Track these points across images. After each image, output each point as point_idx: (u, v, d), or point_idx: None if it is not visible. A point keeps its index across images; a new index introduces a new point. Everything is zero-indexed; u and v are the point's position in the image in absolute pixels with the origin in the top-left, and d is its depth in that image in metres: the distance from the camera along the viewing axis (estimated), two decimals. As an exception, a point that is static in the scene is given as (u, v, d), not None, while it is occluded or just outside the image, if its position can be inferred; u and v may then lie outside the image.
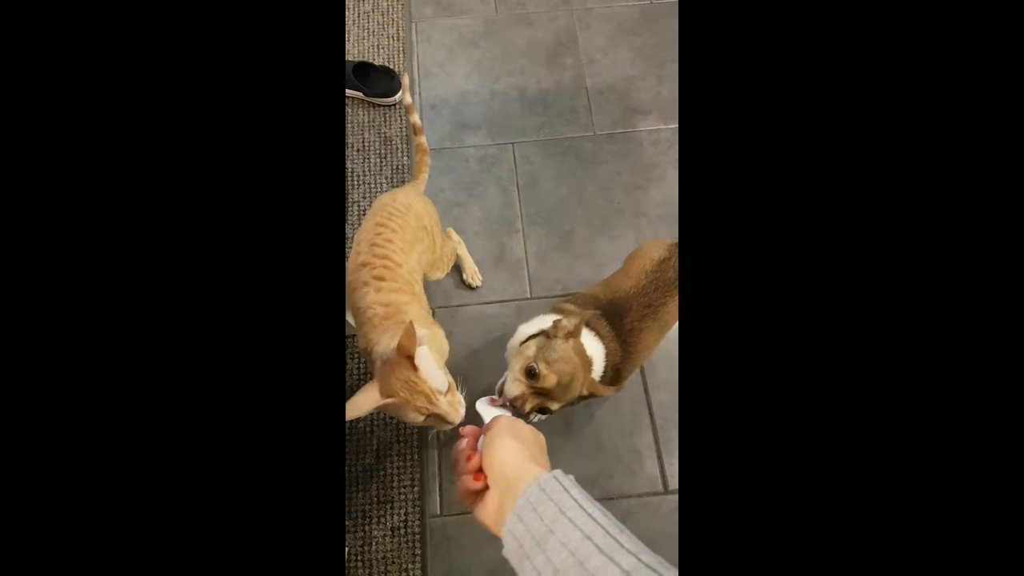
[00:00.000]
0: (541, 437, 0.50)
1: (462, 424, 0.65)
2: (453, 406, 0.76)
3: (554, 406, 0.84)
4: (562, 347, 0.83)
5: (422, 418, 0.74)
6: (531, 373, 0.81)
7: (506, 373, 0.87)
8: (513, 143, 1.50)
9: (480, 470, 0.47)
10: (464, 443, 0.50)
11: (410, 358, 0.74)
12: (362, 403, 0.73)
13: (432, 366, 0.76)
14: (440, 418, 0.74)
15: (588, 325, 0.91)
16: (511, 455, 0.45)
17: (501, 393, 0.84)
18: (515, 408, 0.81)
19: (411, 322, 0.73)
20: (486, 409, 0.68)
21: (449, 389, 0.77)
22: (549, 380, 0.81)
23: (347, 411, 0.70)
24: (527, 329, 0.93)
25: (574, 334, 0.83)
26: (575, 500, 0.40)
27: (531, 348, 0.85)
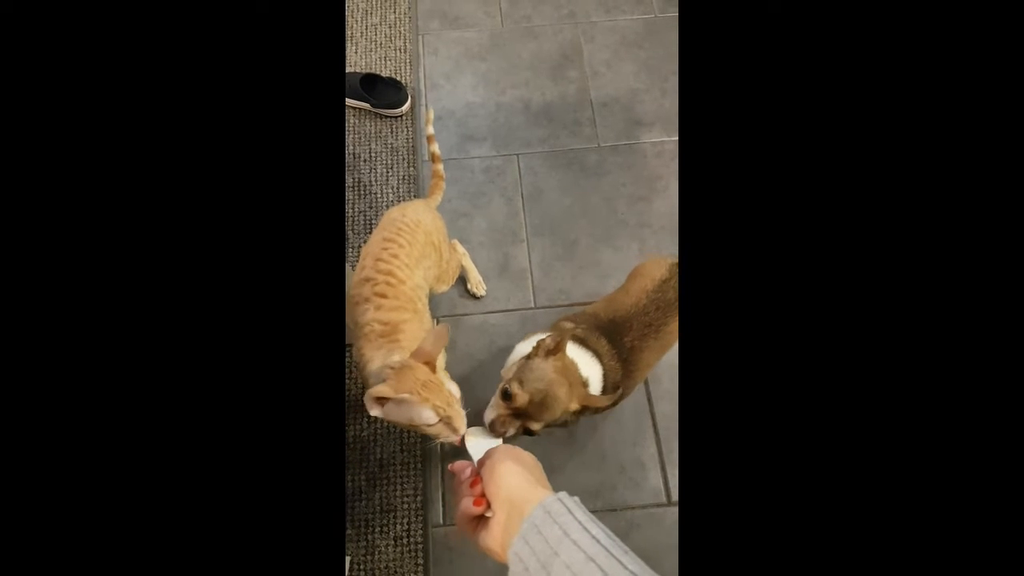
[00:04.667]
0: (536, 460, 0.50)
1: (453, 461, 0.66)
2: (460, 416, 0.76)
3: (536, 426, 0.82)
4: (540, 365, 0.82)
5: (436, 419, 0.74)
6: (506, 394, 0.80)
7: (493, 398, 0.86)
8: (518, 154, 1.51)
9: (482, 495, 0.47)
10: (468, 471, 0.50)
11: (430, 363, 0.74)
12: (382, 391, 0.73)
13: (446, 377, 0.77)
14: (451, 422, 0.75)
15: (585, 344, 0.90)
16: (515, 478, 0.45)
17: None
18: (494, 430, 0.80)
19: (445, 326, 0.74)
20: (474, 445, 0.67)
21: (458, 398, 0.78)
22: (520, 399, 0.80)
23: (368, 397, 0.71)
24: (522, 349, 0.91)
25: (555, 351, 0.83)
26: (579, 522, 0.40)
27: (512, 370, 0.84)
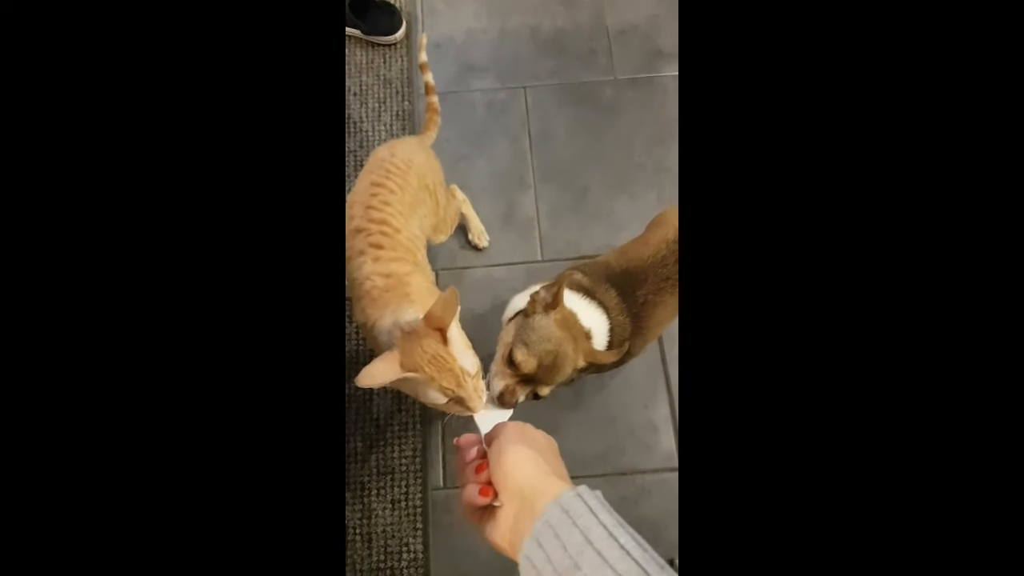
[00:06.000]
0: (554, 443, 0.45)
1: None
2: (477, 392, 0.68)
3: (546, 391, 0.78)
4: (541, 323, 0.76)
5: (444, 400, 0.67)
6: (511, 361, 0.75)
7: (492, 364, 0.81)
8: (525, 87, 1.41)
9: (489, 483, 0.43)
10: (474, 451, 0.46)
11: (442, 331, 0.66)
12: (379, 372, 0.65)
13: (462, 344, 0.69)
14: (463, 402, 0.67)
15: (590, 295, 0.84)
16: (526, 466, 0.41)
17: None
18: (504, 402, 0.75)
19: (452, 290, 0.65)
20: (481, 416, 0.63)
21: (476, 373, 0.69)
22: (529, 365, 0.74)
23: (361, 378, 0.63)
24: (518, 302, 0.85)
25: (554, 304, 0.77)
26: (604, 527, 0.35)
27: (510, 331, 0.79)
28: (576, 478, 0.43)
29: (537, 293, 0.79)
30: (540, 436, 0.45)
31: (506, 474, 0.41)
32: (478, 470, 0.43)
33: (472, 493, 0.42)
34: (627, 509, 1.07)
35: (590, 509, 0.36)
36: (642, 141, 1.35)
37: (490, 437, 0.46)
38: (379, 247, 0.83)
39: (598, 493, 0.38)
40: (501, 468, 0.41)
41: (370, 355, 1.20)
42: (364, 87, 1.38)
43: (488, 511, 0.42)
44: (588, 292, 0.84)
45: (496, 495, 0.42)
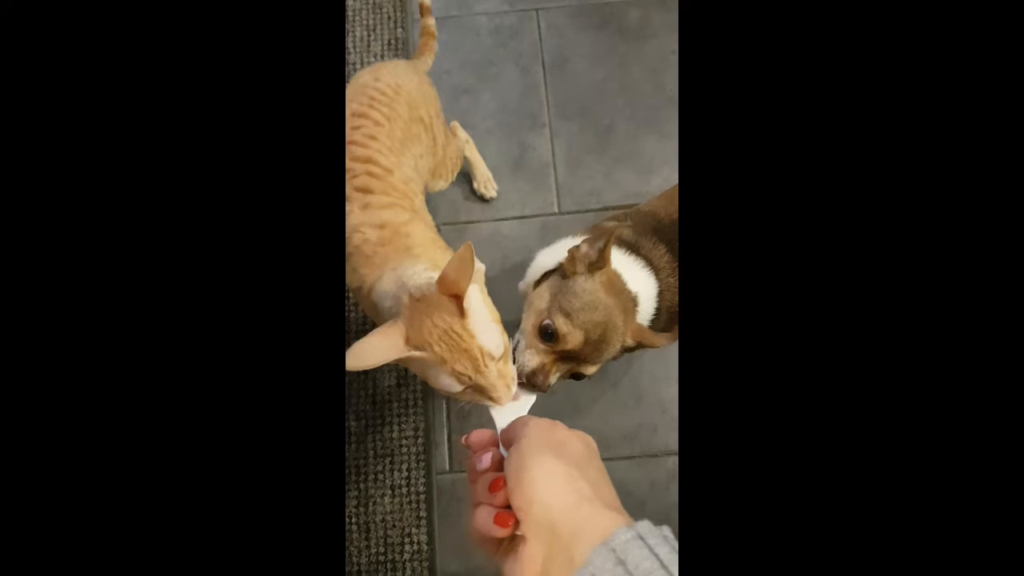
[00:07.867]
0: (592, 444, 0.38)
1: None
2: (504, 379, 0.56)
3: (591, 370, 0.68)
4: (586, 287, 0.66)
5: (459, 387, 0.56)
6: (548, 333, 0.64)
7: (518, 334, 0.69)
8: (537, 10, 1.30)
9: (507, 506, 0.36)
10: (487, 459, 0.39)
11: (457, 298, 0.55)
12: (375, 351, 0.54)
13: (486, 317, 0.57)
14: (484, 391, 0.56)
15: (636, 250, 0.73)
16: (558, 490, 0.34)
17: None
18: (536, 384, 0.64)
19: (469, 245, 0.54)
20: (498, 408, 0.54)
21: (503, 355, 0.58)
22: (574, 339, 0.64)
23: (352, 357, 0.53)
24: (546, 259, 0.76)
25: (600, 264, 0.67)
26: None
27: (543, 295, 0.69)
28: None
29: (577, 248, 0.67)
30: (575, 440, 0.37)
31: (531, 499, 0.34)
32: (492, 488, 0.36)
33: (485, 520, 0.35)
34: (658, 495, 1.00)
35: (660, 561, 0.28)
36: (674, 71, 1.24)
37: (508, 437, 0.40)
38: (367, 191, 0.72)
39: (666, 531, 0.30)
40: (524, 489, 0.34)
41: (363, 323, 1.09)
42: (351, 13, 1.27)
43: (508, 541, 0.36)
44: (632, 247, 0.72)
45: (517, 524, 0.35)
